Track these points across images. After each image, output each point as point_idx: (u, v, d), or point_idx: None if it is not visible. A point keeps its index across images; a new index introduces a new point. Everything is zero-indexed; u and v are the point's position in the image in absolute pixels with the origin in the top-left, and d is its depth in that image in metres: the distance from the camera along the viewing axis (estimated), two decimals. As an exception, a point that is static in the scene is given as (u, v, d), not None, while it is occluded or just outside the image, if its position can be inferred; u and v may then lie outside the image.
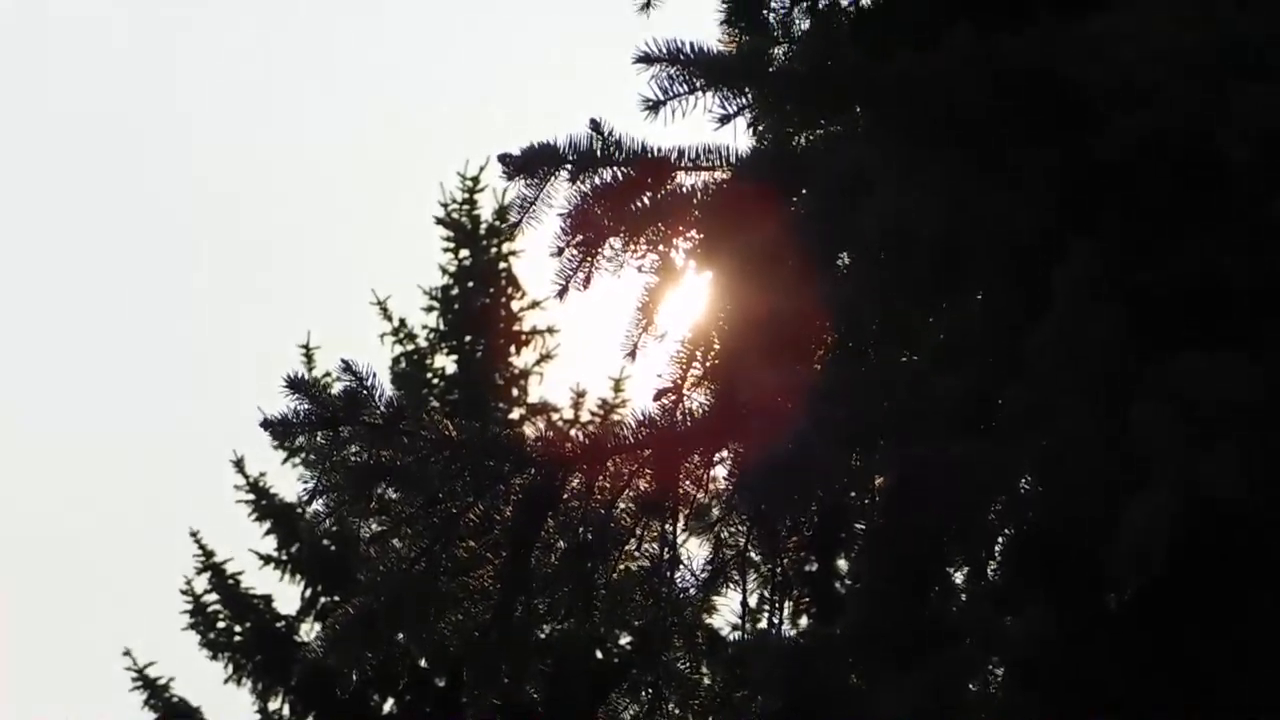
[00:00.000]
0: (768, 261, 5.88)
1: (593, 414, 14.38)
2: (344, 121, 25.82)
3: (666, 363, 6.19)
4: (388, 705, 13.88)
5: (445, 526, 6.09)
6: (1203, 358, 4.94)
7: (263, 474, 14.32)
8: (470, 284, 15.15)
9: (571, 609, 6.47)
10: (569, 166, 6.01)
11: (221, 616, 14.04)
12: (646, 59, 5.78)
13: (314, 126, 25.96)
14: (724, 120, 5.85)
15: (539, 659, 6.77)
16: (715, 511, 6.39)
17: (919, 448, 5.33)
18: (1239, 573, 5.24)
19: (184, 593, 14.09)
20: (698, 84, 5.79)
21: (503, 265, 15.19)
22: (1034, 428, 5.17)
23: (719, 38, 6.67)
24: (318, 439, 6.05)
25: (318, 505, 6.14)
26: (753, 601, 6.46)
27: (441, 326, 15.08)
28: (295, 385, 6.01)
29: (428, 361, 14.98)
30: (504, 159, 6.03)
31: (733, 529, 6.40)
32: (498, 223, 15.11)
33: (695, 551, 6.38)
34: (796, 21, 6.61)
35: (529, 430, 6.29)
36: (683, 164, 6.05)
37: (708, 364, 6.13)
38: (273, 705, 13.90)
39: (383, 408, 6.02)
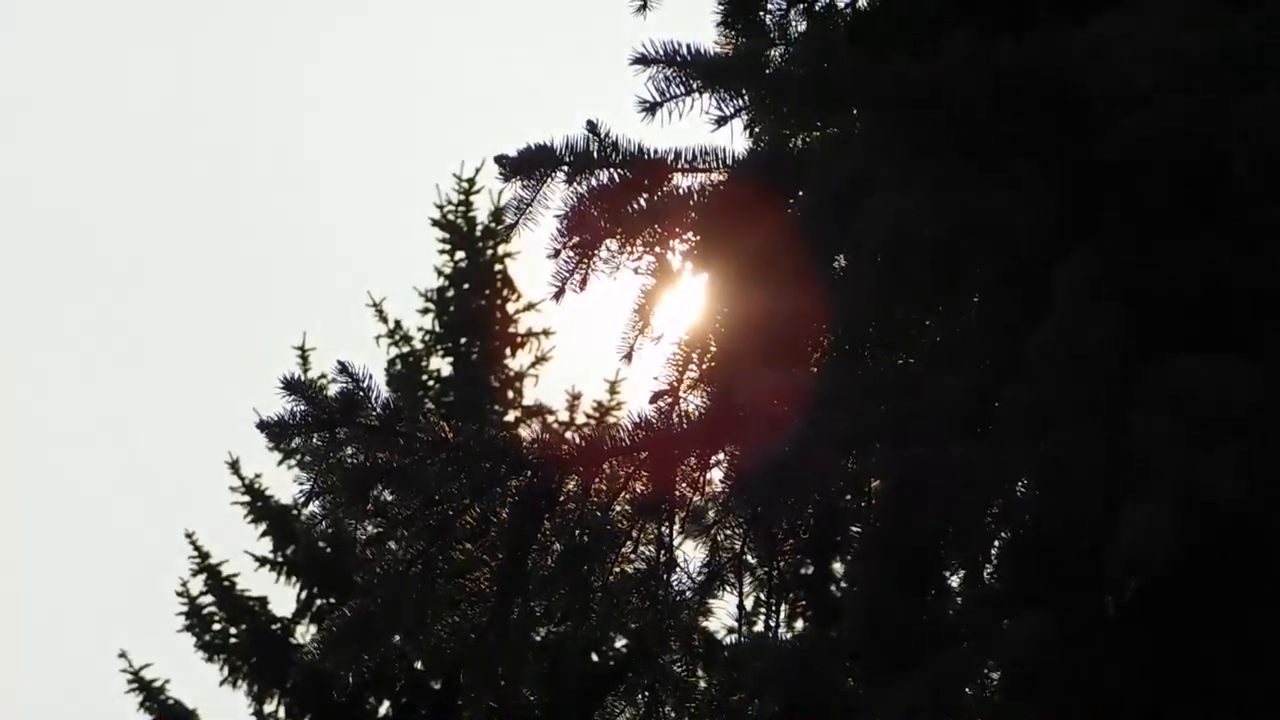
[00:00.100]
0: (765, 263, 5.87)
1: (589, 416, 14.36)
2: (340, 123, 25.81)
3: (663, 365, 6.19)
4: (384, 708, 13.86)
5: (442, 528, 6.08)
6: (1202, 359, 4.94)
7: (259, 476, 14.30)
8: (466, 286, 15.11)
9: (568, 611, 6.47)
10: (565, 168, 6.00)
11: (217, 618, 14.02)
12: (643, 60, 5.77)
13: (310, 128, 25.97)
14: (721, 122, 5.85)
15: (536, 661, 6.78)
16: (712, 514, 6.38)
17: (917, 449, 5.32)
18: (1239, 574, 5.23)
19: (180, 594, 14.07)
20: (694, 85, 5.79)
21: (498, 267, 15.16)
22: (1033, 429, 5.16)
23: (716, 39, 6.67)
24: (314, 441, 6.04)
25: (314, 507, 6.13)
26: (749, 604, 6.46)
27: (437, 328, 15.05)
28: (291, 387, 6.00)
29: (423, 363, 14.94)
30: (500, 160, 6.02)
31: (729, 531, 6.39)
32: (493, 224, 15.07)
33: (692, 554, 6.38)
34: (793, 23, 6.61)
35: (525, 432, 6.28)
36: (679, 166, 6.05)
37: (704, 366, 6.12)
38: (269, 707, 13.87)
39: (379, 409, 6.01)
